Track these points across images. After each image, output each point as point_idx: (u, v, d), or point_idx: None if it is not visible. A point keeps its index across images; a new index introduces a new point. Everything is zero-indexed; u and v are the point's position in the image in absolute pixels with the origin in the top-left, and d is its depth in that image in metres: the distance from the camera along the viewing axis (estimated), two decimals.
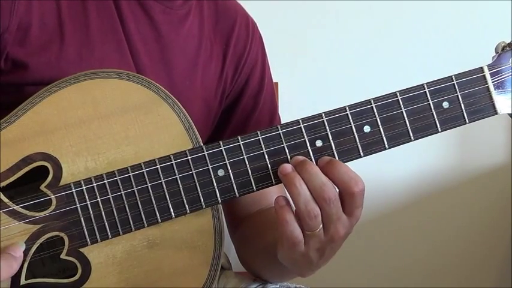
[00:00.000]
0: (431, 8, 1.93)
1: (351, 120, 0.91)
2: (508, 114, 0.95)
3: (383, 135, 0.92)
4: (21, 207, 0.87)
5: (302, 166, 0.89)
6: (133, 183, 0.89)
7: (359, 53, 1.95)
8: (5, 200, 0.86)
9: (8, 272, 0.83)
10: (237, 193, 0.90)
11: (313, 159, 0.91)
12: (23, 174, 0.88)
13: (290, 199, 0.91)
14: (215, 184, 0.90)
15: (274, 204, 0.91)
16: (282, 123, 0.93)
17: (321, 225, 0.89)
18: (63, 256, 0.88)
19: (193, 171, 0.89)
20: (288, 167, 0.89)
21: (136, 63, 1.04)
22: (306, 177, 0.88)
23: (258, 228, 1.16)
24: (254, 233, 1.16)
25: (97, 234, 0.88)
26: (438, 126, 0.93)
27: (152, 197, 0.89)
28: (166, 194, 0.89)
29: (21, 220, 0.87)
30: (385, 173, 2.01)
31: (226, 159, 0.90)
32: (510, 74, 0.94)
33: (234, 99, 1.21)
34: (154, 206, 0.89)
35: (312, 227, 0.89)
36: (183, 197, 0.89)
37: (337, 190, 0.89)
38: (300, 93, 1.89)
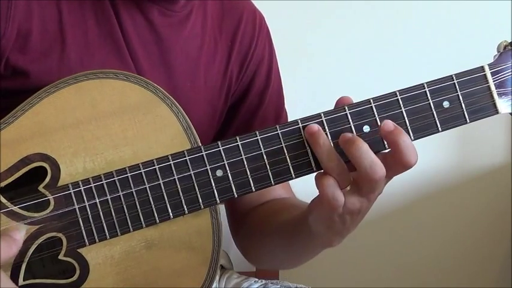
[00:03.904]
0: (431, 8, 1.93)
1: (350, 120, 0.91)
2: (509, 113, 0.95)
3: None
4: (19, 207, 0.87)
5: (352, 143, 0.88)
6: (132, 184, 0.88)
7: (359, 53, 1.96)
8: (4, 200, 0.86)
9: (7, 253, 0.84)
10: (235, 193, 0.90)
11: (312, 160, 0.91)
12: (22, 174, 0.87)
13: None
14: (213, 184, 0.90)
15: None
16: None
17: (350, 180, 0.89)
18: (61, 257, 0.88)
19: (192, 172, 0.89)
20: (314, 126, 0.90)
21: (136, 68, 1.04)
22: (355, 155, 0.87)
23: (270, 212, 1.16)
24: (266, 217, 1.16)
25: (95, 234, 0.88)
26: (438, 125, 0.93)
27: (150, 198, 0.89)
28: (165, 194, 0.89)
29: (20, 221, 0.86)
30: None
31: (225, 160, 0.90)
32: (511, 73, 0.94)
33: (240, 96, 1.20)
34: (153, 206, 0.89)
35: (341, 180, 0.89)
36: (182, 198, 0.89)
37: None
38: (300, 93, 1.89)
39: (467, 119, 0.93)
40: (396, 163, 0.88)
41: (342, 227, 0.94)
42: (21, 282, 0.87)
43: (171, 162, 0.89)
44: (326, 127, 0.91)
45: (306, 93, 1.92)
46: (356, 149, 0.87)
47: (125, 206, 0.88)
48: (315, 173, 0.91)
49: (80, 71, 0.94)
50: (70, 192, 0.88)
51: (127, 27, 1.04)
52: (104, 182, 0.88)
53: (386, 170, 0.88)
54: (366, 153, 0.87)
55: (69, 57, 0.98)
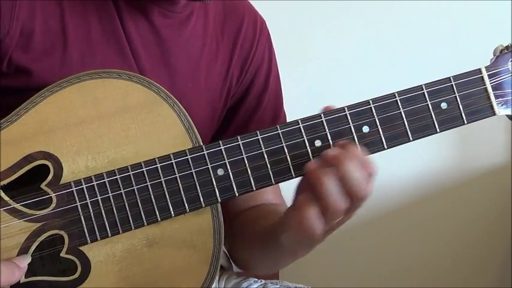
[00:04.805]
0: (430, 10, 1.93)
1: (350, 121, 0.92)
2: (506, 115, 0.96)
3: (382, 136, 0.92)
4: (21, 205, 0.87)
5: (341, 160, 0.86)
6: (134, 182, 0.89)
7: (358, 54, 1.95)
8: (6, 198, 0.87)
9: (9, 278, 0.84)
10: (236, 192, 0.91)
11: (312, 160, 0.91)
12: (24, 172, 0.88)
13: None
14: (215, 183, 0.90)
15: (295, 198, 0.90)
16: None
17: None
18: (63, 254, 0.89)
19: (193, 170, 0.90)
20: (313, 164, 0.88)
21: (138, 68, 1.05)
22: (342, 173, 0.86)
23: (252, 218, 1.16)
24: (248, 223, 1.16)
25: (97, 232, 0.88)
26: (436, 126, 0.93)
27: (152, 196, 0.89)
28: (166, 192, 0.89)
29: (22, 218, 0.87)
30: (384, 173, 2.00)
31: (226, 159, 0.90)
32: (508, 75, 0.95)
33: (238, 99, 1.21)
34: (154, 204, 0.89)
35: (336, 218, 0.88)
36: (183, 196, 0.90)
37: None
38: (300, 94, 1.89)
39: (465, 120, 0.94)
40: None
41: (310, 245, 0.96)
42: (23, 279, 0.87)
43: (173, 161, 0.90)
44: (326, 127, 0.91)
45: (306, 94, 1.91)
46: (345, 166, 0.86)
47: (126, 204, 0.89)
48: None
49: (82, 70, 0.94)
50: (72, 190, 0.88)
51: (129, 28, 1.04)
52: (106, 180, 0.89)
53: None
54: (353, 172, 0.86)
55: (71, 56, 0.99)
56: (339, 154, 0.87)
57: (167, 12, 1.08)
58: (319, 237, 0.90)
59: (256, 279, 1.21)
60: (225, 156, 0.90)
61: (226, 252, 1.26)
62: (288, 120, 1.20)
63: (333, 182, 0.86)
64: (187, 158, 0.90)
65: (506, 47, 0.95)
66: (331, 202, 0.86)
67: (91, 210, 0.88)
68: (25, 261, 0.86)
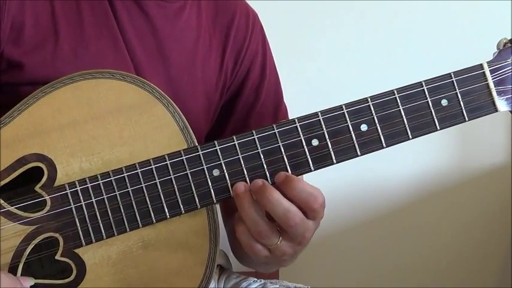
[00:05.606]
0: (430, 7, 1.93)
1: (348, 119, 0.91)
2: (510, 111, 0.94)
3: (380, 134, 0.91)
4: (16, 208, 0.87)
5: (262, 194, 0.87)
6: (128, 184, 0.88)
7: (357, 51, 1.95)
8: (1, 201, 0.86)
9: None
10: (232, 193, 0.90)
11: (309, 159, 0.90)
12: (18, 175, 0.87)
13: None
14: (210, 184, 0.89)
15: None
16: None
17: (279, 239, 0.89)
18: (58, 257, 0.88)
19: (188, 171, 0.89)
20: (240, 187, 0.89)
21: (132, 59, 1.05)
22: (267, 206, 0.87)
23: None
24: None
25: (92, 235, 0.88)
26: (437, 124, 0.92)
27: (147, 197, 0.88)
28: (161, 194, 0.89)
29: (17, 221, 0.87)
30: (384, 172, 2.01)
31: (221, 159, 0.89)
32: (511, 70, 0.93)
33: (235, 92, 1.21)
34: (149, 206, 0.89)
35: (267, 244, 0.89)
36: (178, 197, 0.89)
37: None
38: (298, 92, 1.88)
39: (466, 117, 0.93)
40: (304, 208, 0.88)
41: (281, 263, 0.96)
42: None
43: (168, 162, 0.89)
44: (323, 126, 0.90)
45: (303, 92, 1.91)
46: (267, 199, 0.87)
47: (121, 206, 0.88)
48: (312, 172, 0.91)
49: (75, 63, 0.95)
50: (67, 192, 0.88)
51: (123, 18, 1.04)
52: (100, 181, 0.88)
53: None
54: (277, 202, 0.87)
55: (63, 49, 0.99)
56: (264, 184, 0.88)
57: (161, 2, 1.08)
58: (276, 258, 0.92)
59: (255, 279, 1.21)
60: (220, 156, 0.89)
61: (225, 252, 1.25)
62: (288, 113, 1.20)
63: (252, 209, 0.88)
64: (182, 159, 0.89)
65: (510, 41, 0.93)
66: (250, 226, 0.88)
67: (85, 213, 0.88)
68: (29, 283, 0.86)
